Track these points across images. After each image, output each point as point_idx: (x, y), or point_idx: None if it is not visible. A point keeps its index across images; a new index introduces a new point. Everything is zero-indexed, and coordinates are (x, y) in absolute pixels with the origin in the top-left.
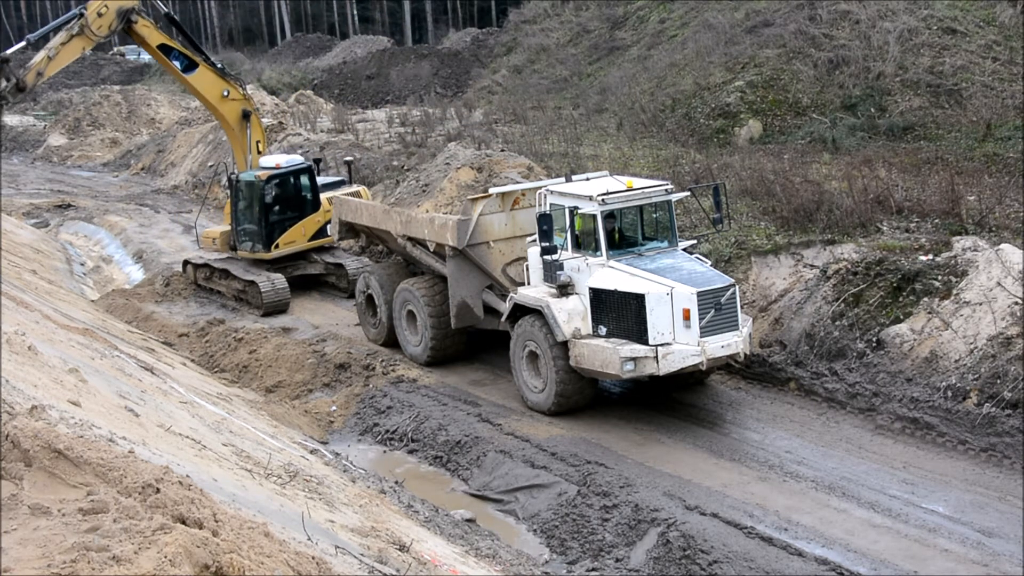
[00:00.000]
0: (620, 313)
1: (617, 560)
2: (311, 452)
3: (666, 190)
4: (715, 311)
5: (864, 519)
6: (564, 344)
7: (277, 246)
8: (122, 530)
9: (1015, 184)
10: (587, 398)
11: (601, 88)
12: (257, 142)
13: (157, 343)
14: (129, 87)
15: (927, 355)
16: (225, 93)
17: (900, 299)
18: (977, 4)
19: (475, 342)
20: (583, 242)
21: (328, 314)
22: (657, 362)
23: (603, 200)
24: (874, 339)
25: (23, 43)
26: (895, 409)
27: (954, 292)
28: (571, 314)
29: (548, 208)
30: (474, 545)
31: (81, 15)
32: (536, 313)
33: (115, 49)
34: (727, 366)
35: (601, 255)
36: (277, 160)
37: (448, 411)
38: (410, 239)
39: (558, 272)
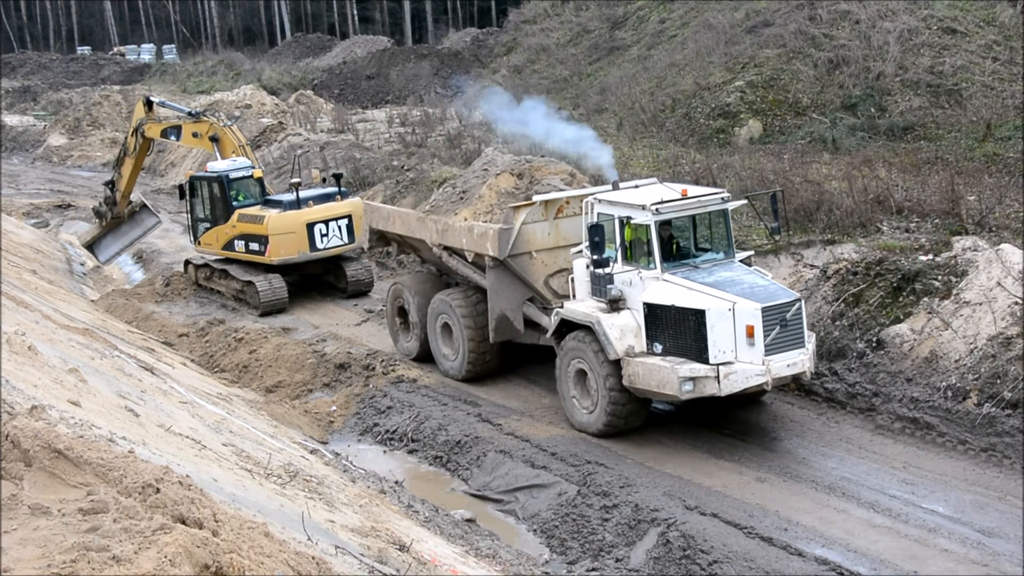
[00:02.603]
0: (677, 330)
1: (617, 560)
2: (311, 452)
3: (722, 198)
4: (780, 327)
5: (864, 519)
6: (616, 362)
7: (199, 243)
8: (122, 530)
9: (1015, 184)
10: (640, 419)
11: (601, 88)
12: (233, 151)
13: (157, 343)
14: (129, 87)
15: (927, 355)
16: (195, 135)
17: (900, 299)
18: (977, 4)
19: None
20: (634, 254)
21: (328, 314)
22: (718, 382)
23: (657, 209)
24: (874, 339)
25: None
26: (895, 409)
27: (954, 292)
28: (623, 331)
29: (596, 217)
30: (474, 545)
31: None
32: (585, 329)
33: (115, 49)
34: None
35: (655, 268)
36: (217, 165)
37: (448, 411)
38: (446, 249)
39: (608, 286)
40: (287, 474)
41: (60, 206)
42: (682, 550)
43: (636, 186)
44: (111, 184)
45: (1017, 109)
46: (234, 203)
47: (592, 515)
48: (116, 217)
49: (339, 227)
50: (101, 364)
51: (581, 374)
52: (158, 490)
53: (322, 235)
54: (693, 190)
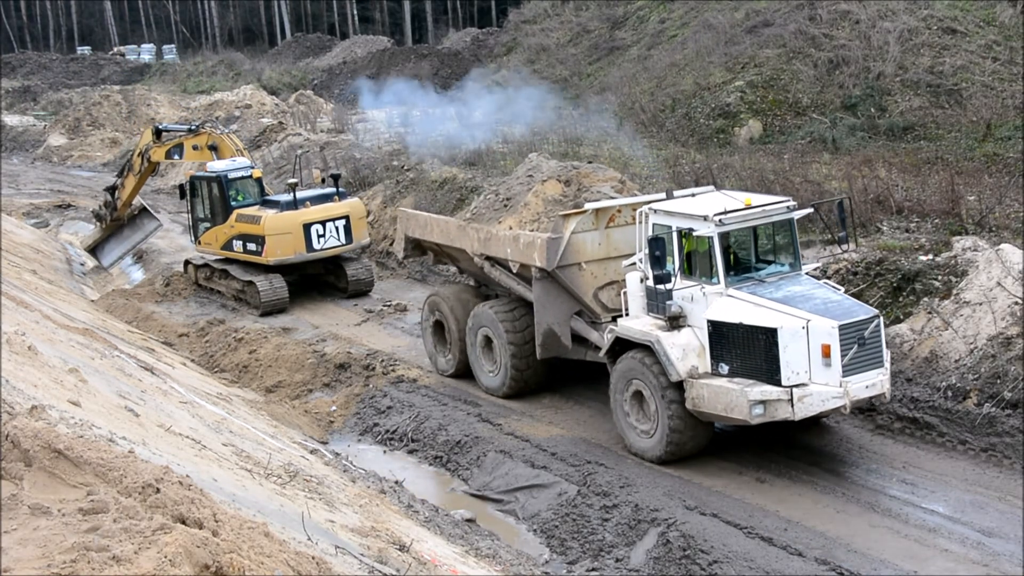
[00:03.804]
0: (746, 349)
1: (617, 560)
2: (311, 452)
3: (788, 207)
4: (858, 346)
5: (864, 519)
6: (679, 384)
7: (199, 243)
8: (122, 530)
9: (1015, 184)
10: (703, 443)
11: (601, 88)
12: (232, 157)
13: (157, 343)
14: (129, 87)
15: (927, 355)
16: (195, 148)
17: (900, 299)
18: (977, 4)
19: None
20: (694, 267)
21: (328, 314)
22: (792, 405)
23: (721, 220)
24: None
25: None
26: (895, 409)
27: (954, 292)
28: (686, 350)
29: (652, 228)
30: (474, 545)
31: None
32: (643, 348)
33: (115, 49)
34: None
35: (718, 282)
36: (216, 165)
37: (448, 411)
38: (488, 259)
39: (668, 302)
40: (287, 474)
41: (60, 206)
42: (682, 550)
43: (692, 194)
44: (113, 190)
45: (1017, 109)
46: (233, 203)
47: (592, 515)
48: (116, 220)
49: (336, 228)
50: (101, 364)
51: (638, 396)
52: (158, 490)
53: (319, 236)
54: (757, 199)
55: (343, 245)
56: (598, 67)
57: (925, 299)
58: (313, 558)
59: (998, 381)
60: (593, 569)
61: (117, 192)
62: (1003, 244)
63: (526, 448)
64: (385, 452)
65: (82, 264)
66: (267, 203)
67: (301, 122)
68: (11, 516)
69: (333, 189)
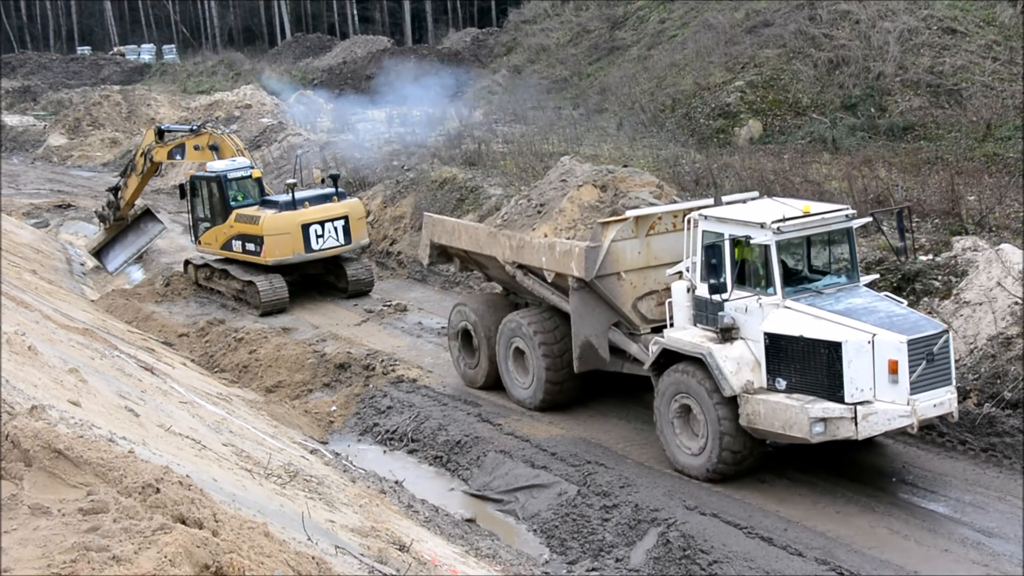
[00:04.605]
0: (806, 364)
1: (617, 560)
2: (311, 452)
3: (847, 215)
4: (927, 362)
5: (864, 519)
6: (732, 399)
7: (199, 243)
8: (122, 530)
9: (1015, 184)
10: (755, 462)
11: (601, 88)
12: (232, 157)
13: (157, 343)
14: (129, 87)
15: None
16: (196, 148)
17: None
18: (977, 4)
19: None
20: (747, 277)
21: (328, 314)
22: (855, 424)
23: (779, 228)
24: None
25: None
26: None
27: (954, 292)
28: (740, 364)
29: (702, 236)
30: (474, 545)
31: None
32: (693, 361)
33: (115, 49)
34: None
35: (775, 293)
36: (216, 165)
37: (448, 411)
38: (521, 267)
39: (720, 313)
40: (287, 474)
41: (60, 206)
42: (682, 550)
43: (744, 201)
44: (115, 190)
45: (1017, 109)
46: (232, 203)
47: (592, 515)
48: (119, 220)
49: (335, 228)
50: (101, 364)
51: (685, 411)
52: (158, 490)
53: (317, 236)
54: (816, 206)
55: (342, 245)
56: (598, 67)
57: (925, 299)
58: (313, 558)
59: (998, 381)
60: (593, 569)
61: (120, 192)
62: (1003, 244)
63: (526, 448)
64: (385, 452)
65: (82, 264)
66: (266, 203)
67: (301, 122)
68: (11, 516)
69: (332, 189)
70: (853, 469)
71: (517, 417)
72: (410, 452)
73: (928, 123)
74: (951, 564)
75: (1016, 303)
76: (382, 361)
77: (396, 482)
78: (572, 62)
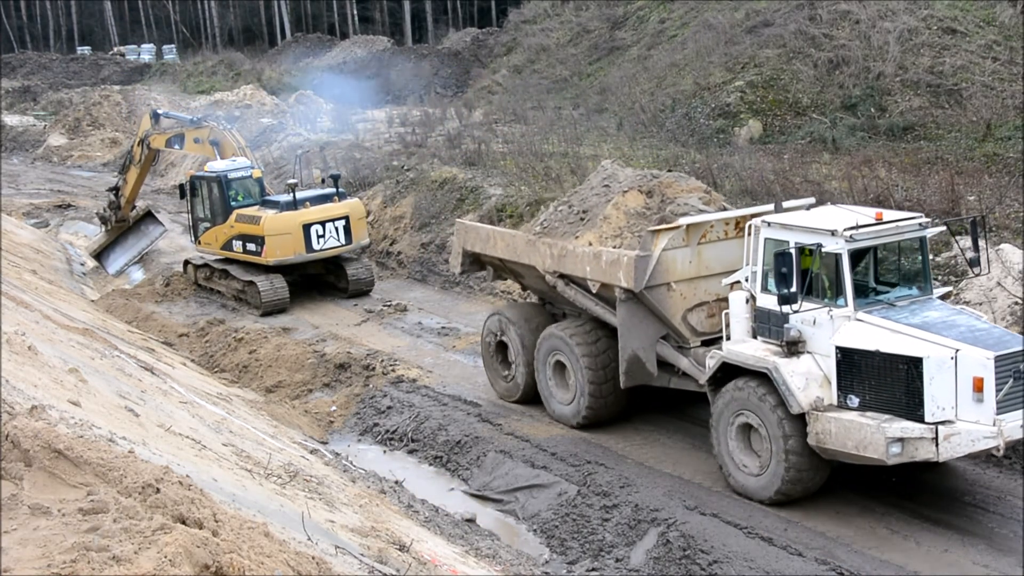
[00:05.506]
0: (882, 380)
1: (617, 560)
2: (311, 452)
3: (920, 223)
4: (1014, 380)
5: (864, 519)
6: (800, 417)
7: (199, 243)
8: (122, 530)
9: (1015, 184)
10: (821, 483)
11: (601, 88)
12: (233, 154)
13: (157, 343)
14: (129, 87)
15: None
16: (196, 140)
17: None
18: (977, 4)
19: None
20: (814, 288)
21: (328, 314)
22: (936, 445)
23: (851, 236)
24: None
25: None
26: None
27: (954, 292)
28: (808, 379)
29: (763, 243)
30: (474, 545)
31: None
32: (755, 376)
33: (115, 49)
34: None
35: (845, 304)
36: (216, 165)
37: (448, 411)
38: (562, 277)
39: (785, 325)
40: (287, 474)
41: (60, 206)
42: (682, 550)
43: (808, 207)
44: (116, 190)
45: (1017, 109)
46: (232, 203)
47: (592, 515)
48: (120, 221)
49: (336, 228)
50: (101, 364)
51: (745, 428)
52: (158, 490)
53: (318, 236)
54: (888, 214)
55: (342, 245)
56: (598, 67)
57: None
58: (313, 558)
59: None
60: (593, 569)
61: (120, 190)
62: (1003, 244)
63: (526, 448)
64: (385, 452)
65: (82, 264)
66: (267, 203)
67: (301, 122)
68: (11, 516)
69: (333, 189)
70: (852, 469)
71: (517, 417)
72: (410, 452)
73: (928, 123)
74: (951, 564)
75: (1016, 303)
76: (382, 361)
77: (396, 482)
78: (572, 62)
